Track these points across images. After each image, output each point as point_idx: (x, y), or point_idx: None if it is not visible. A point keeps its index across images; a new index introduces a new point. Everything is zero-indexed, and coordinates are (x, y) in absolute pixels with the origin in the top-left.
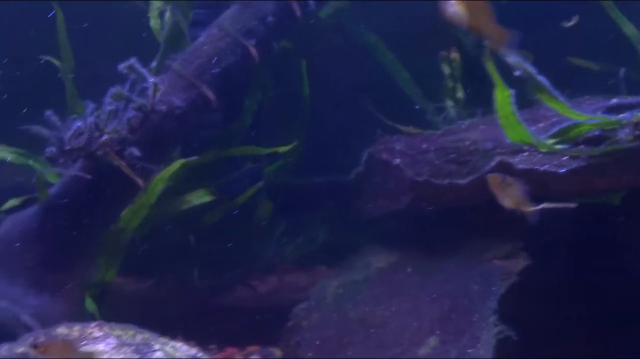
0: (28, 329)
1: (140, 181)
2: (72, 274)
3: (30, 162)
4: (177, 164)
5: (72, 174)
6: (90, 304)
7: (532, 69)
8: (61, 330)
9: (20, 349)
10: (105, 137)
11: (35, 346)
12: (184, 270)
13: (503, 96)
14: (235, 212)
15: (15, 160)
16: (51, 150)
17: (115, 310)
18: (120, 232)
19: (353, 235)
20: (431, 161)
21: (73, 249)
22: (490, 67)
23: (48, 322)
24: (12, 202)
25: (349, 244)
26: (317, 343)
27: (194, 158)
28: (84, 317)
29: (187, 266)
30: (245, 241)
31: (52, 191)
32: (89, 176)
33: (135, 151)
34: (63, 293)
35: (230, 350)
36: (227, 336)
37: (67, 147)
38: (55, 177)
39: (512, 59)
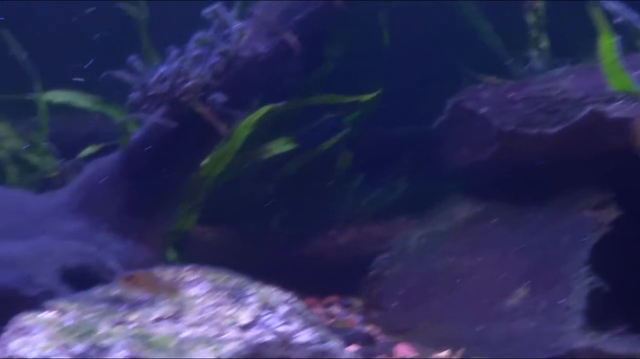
0: (113, 274)
1: (223, 128)
2: (155, 221)
3: (108, 109)
4: (263, 110)
5: (154, 120)
6: (170, 252)
7: (633, 16)
8: (155, 273)
9: (115, 291)
10: (189, 83)
11: (124, 278)
12: (264, 220)
13: (608, 43)
14: (315, 162)
15: (93, 107)
16: (134, 96)
17: (194, 259)
18: (202, 179)
19: (434, 186)
20: (518, 110)
21: (155, 196)
22: (597, 14)
23: (132, 268)
24: (89, 150)
25: (430, 196)
26: (401, 292)
27: (280, 104)
28: (166, 264)
29: (266, 215)
30: (324, 192)
31: (134, 137)
32: (172, 122)
33: (220, 97)
34: (146, 240)
35: (309, 300)
36: (306, 286)
37: (151, 93)
38: (134, 125)
39: (613, 5)
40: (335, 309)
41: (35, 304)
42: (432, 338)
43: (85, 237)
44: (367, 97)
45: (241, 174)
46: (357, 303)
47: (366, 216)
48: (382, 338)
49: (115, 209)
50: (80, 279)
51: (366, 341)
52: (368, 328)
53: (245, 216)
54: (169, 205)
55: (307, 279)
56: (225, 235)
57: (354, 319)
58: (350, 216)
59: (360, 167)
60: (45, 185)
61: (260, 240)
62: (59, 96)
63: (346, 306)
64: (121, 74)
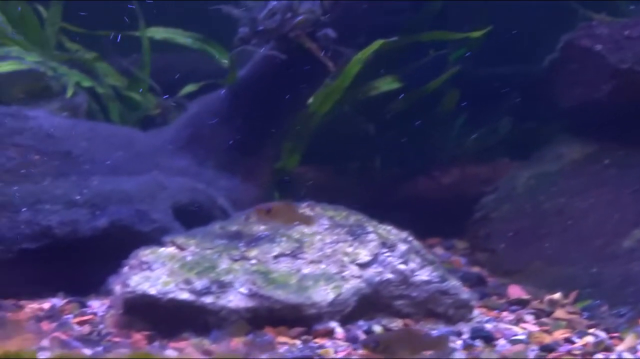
0: (223, 211)
1: (331, 64)
2: (262, 158)
3: (208, 47)
4: (375, 45)
5: (262, 56)
6: (272, 192)
7: None
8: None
9: (234, 227)
10: (298, 18)
11: (262, 210)
12: (366, 159)
13: None
14: (420, 100)
15: (193, 45)
16: (244, 30)
17: (295, 199)
18: (309, 116)
19: (540, 127)
20: (636, 47)
21: (262, 134)
22: None
23: (239, 205)
24: (190, 88)
25: (535, 136)
26: (510, 234)
27: (392, 39)
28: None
29: (369, 155)
30: (428, 132)
31: (241, 74)
32: (282, 55)
33: (331, 32)
34: (253, 178)
35: None
36: (407, 227)
37: (260, 28)
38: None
39: None
40: (438, 251)
41: (149, 239)
42: (545, 279)
43: (193, 174)
44: (477, 33)
45: (346, 111)
46: (460, 244)
47: (469, 156)
48: (491, 280)
49: (222, 146)
50: (192, 216)
51: (477, 282)
52: (474, 270)
53: (347, 156)
54: (275, 143)
55: (408, 220)
56: (326, 175)
57: (459, 261)
58: (454, 157)
59: (463, 106)
60: (147, 122)
61: (362, 180)
62: (159, 33)
63: (449, 248)
64: (229, 9)
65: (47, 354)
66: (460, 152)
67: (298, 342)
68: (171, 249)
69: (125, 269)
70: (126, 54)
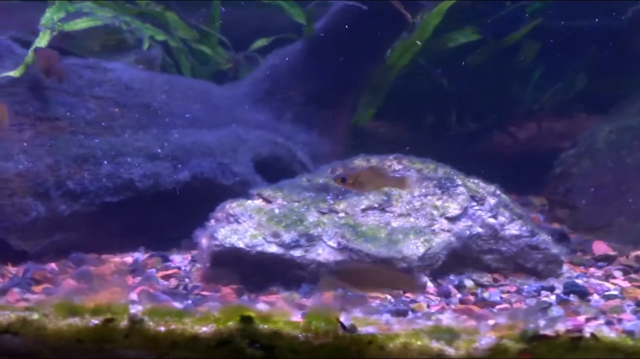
0: (302, 165)
1: (409, 16)
2: (339, 112)
3: (279, 1)
4: None
5: (339, 8)
6: None
7: None
8: (358, 162)
9: (320, 179)
10: None
11: (340, 178)
12: (442, 114)
13: None
14: (498, 53)
15: None
16: None
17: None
18: (388, 69)
19: (621, 79)
20: None
21: (339, 87)
22: None
23: (317, 159)
24: (260, 42)
25: (613, 90)
26: (591, 190)
27: None
28: (348, 156)
29: (444, 109)
30: (504, 85)
31: (318, 25)
32: (364, 7)
33: None
34: (330, 131)
35: None
36: None
37: None
38: (302, 18)
39: None
40: None
41: (231, 193)
42: (630, 235)
43: (271, 127)
44: None
45: (420, 65)
46: (537, 201)
47: (546, 111)
48: (574, 236)
49: (299, 100)
50: (271, 169)
51: (560, 238)
52: (554, 226)
53: (421, 110)
54: (352, 97)
55: (484, 175)
56: (399, 129)
57: (538, 217)
58: (530, 111)
59: (540, 60)
60: (218, 77)
61: (437, 135)
62: None
63: (525, 205)
64: None
65: (138, 307)
66: (537, 107)
67: (389, 296)
68: (258, 202)
69: (212, 222)
70: (194, 9)
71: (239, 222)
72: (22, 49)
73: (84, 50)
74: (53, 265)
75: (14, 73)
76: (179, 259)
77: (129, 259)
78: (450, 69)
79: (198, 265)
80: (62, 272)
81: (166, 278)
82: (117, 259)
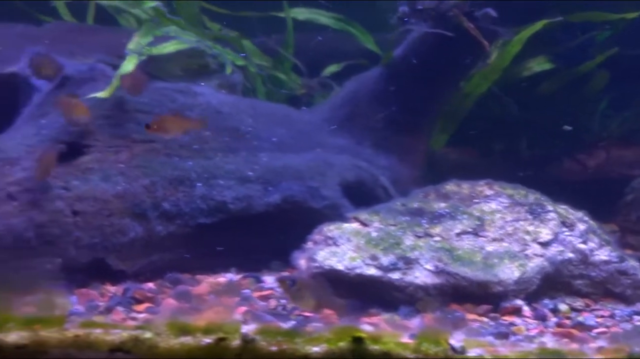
0: (384, 189)
1: (486, 44)
2: (417, 138)
3: (350, 28)
4: (537, 26)
5: (418, 35)
6: None
7: None
8: (450, 187)
9: (414, 204)
10: None
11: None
12: (512, 141)
13: None
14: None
15: (334, 25)
16: (403, 9)
17: (439, 178)
18: (464, 96)
19: None
20: None
21: (417, 113)
22: None
23: (397, 185)
24: (332, 68)
25: None
26: None
27: (557, 19)
28: (425, 181)
29: (515, 136)
30: (574, 113)
31: (397, 53)
32: (448, 34)
33: (492, 12)
34: (408, 156)
35: None
36: None
37: (419, 7)
38: (373, 45)
39: None
40: None
41: (320, 216)
42: None
43: (353, 152)
44: (632, 15)
45: (492, 92)
46: (607, 228)
47: (615, 138)
48: None
49: (378, 125)
50: (355, 193)
51: None
52: (627, 253)
53: (492, 137)
54: (430, 121)
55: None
56: (469, 155)
57: None
58: (599, 139)
59: (609, 88)
60: (292, 102)
61: (507, 162)
62: (302, 14)
63: None
64: None
65: (249, 327)
66: (605, 135)
67: (485, 319)
68: (355, 225)
69: (309, 244)
70: (265, 34)
71: (337, 245)
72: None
73: (167, 74)
74: (151, 284)
75: (103, 94)
76: (270, 280)
77: (222, 279)
78: (520, 95)
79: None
80: (160, 291)
81: (263, 298)
82: (211, 279)
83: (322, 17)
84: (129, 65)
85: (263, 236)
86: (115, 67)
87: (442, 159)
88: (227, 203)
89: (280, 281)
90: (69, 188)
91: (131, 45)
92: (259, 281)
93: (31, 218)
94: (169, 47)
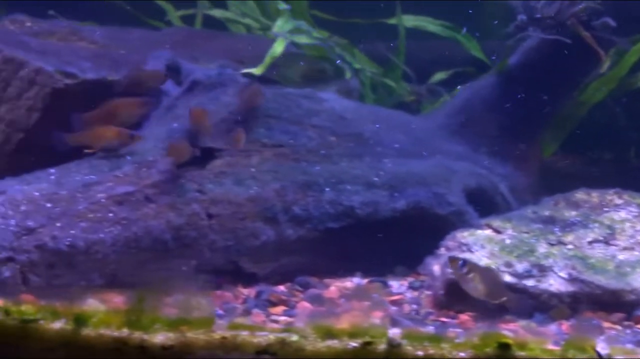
0: (503, 197)
1: (602, 53)
2: (531, 145)
3: (457, 35)
4: None
5: (533, 44)
6: None
7: None
8: (580, 195)
9: (546, 212)
10: (578, 6)
11: None
12: (620, 149)
13: None
14: None
15: (442, 33)
16: (522, 18)
17: (550, 185)
18: (579, 105)
19: None
20: None
21: (532, 121)
22: None
23: (514, 192)
24: (440, 75)
25: None
26: None
27: None
28: (544, 190)
29: (624, 146)
30: None
31: (512, 61)
32: (567, 40)
33: (610, 22)
34: (524, 164)
35: None
36: None
37: (538, 16)
38: (479, 52)
39: None
40: None
41: (446, 223)
42: None
43: (470, 159)
44: None
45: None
46: None
47: None
48: None
49: (494, 133)
50: (477, 201)
51: None
52: None
53: (599, 144)
54: (542, 131)
55: None
56: (577, 163)
57: None
58: None
59: None
60: (401, 108)
61: (616, 170)
62: (410, 21)
63: None
64: None
65: (396, 331)
66: None
67: (620, 327)
68: (488, 232)
69: (442, 250)
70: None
71: (471, 251)
72: (244, 78)
73: (286, 80)
74: (282, 287)
75: (256, 70)
76: (396, 285)
77: (348, 283)
78: (628, 104)
79: (426, 292)
80: (291, 295)
81: (394, 303)
82: (338, 283)
83: (430, 25)
84: (278, 47)
85: (387, 241)
86: (238, 72)
87: (549, 167)
88: (355, 208)
89: (451, 260)
90: (204, 191)
91: (276, 28)
92: (385, 285)
93: (169, 221)
94: (302, 39)
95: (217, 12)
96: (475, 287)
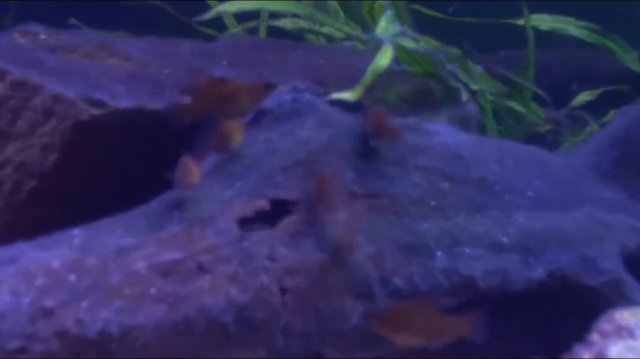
0: None
1: None
2: None
3: (607, 41)
4: None
5: None
6: None
7: None
8: None
9: None
10: None
11: None
12: None
13: None
14: None
15: (588, 38)
16: None
17: None
18: None
19: None
20: None
21: None
22: None
23: None
24: (584, 97)
25: None
26: None
27: None
28: None
29: None
30: None
31: None
32: None
33: None
34: None
35: None
36: None
37: None
38: (635, 62)
39: None
40: None
41: (597, 297)
42: None
43: (627, 210)
44: None
45: None
46: None
47: None
48: None
49: None
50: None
51: None
52: None
53: None
54: None
55: None
56: None
57: None
58: None
59: None
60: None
61: None
62: (546, 22)
63: None
64: None
65: None
66: None
67: None
68: None
69: (595, 336)
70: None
71: (633, 338)
72: (326, 105)
73: (382, 103)
74: None
75: (350, 95)
76: None
77: None
78: None
79: None
80: None
81: None
82: None
83: (572, 27)
84: (384, 58)
85: (520, 322)
86: (321, 96)
87: None
88: (476, 279)
89: None
90: (275, 258)
91: (379, 30)
92: None
93: (229, 297)
94: (409, 43)
95: (287, 22)
96: None
